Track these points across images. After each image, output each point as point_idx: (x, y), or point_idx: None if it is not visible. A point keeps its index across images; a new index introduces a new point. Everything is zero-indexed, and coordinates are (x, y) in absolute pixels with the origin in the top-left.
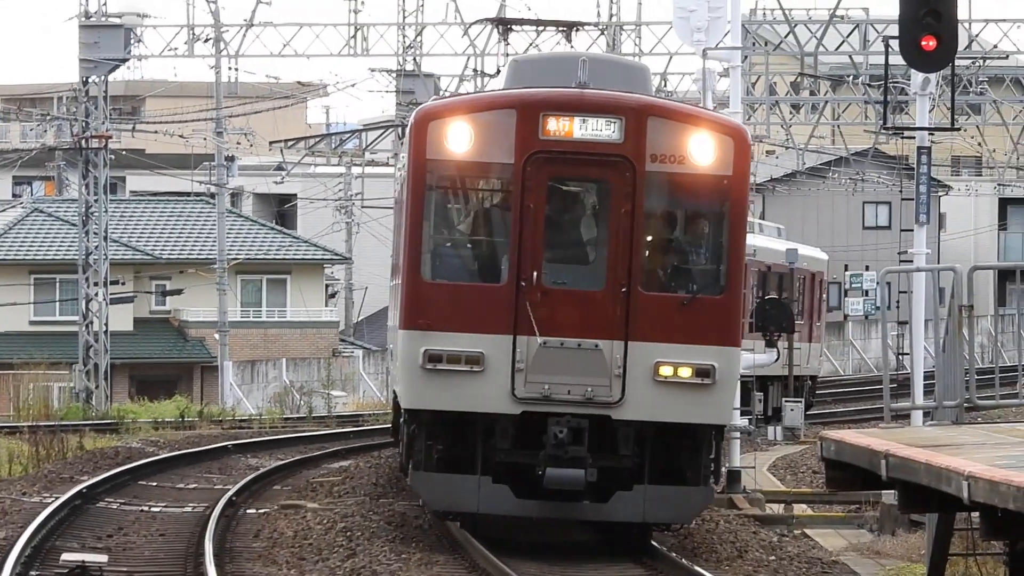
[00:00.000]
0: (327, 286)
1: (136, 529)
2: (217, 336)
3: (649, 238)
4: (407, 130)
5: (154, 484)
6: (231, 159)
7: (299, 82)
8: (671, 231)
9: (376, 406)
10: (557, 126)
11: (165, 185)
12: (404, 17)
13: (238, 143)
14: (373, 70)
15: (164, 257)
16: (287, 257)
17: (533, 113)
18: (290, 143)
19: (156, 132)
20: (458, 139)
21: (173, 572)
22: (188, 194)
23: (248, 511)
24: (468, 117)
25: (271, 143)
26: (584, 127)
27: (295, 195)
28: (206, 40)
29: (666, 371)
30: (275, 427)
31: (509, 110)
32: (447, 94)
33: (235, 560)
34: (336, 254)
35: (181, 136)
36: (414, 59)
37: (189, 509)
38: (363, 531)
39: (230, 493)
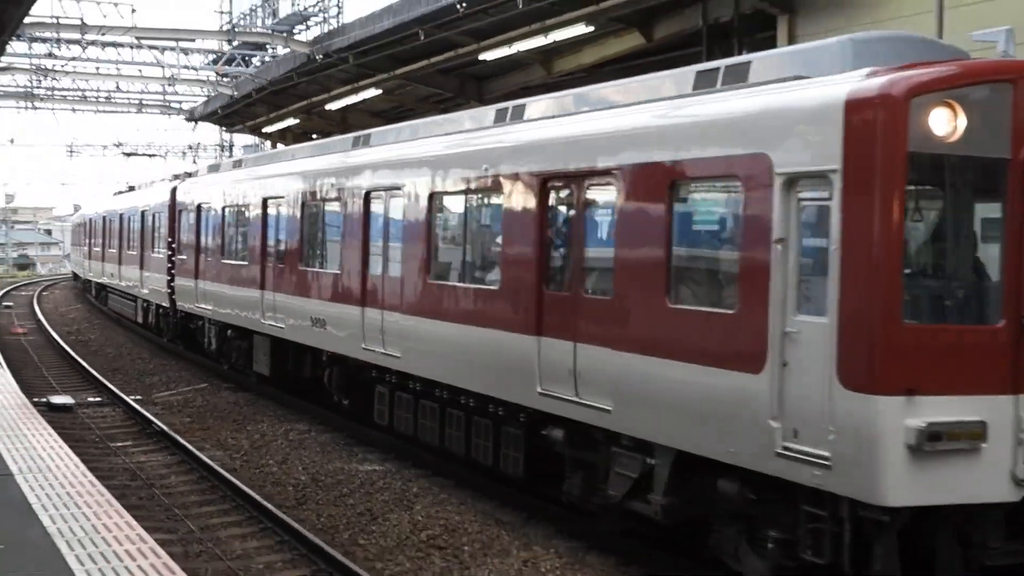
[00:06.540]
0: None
1: (13, 300)
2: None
3: None
4: (857, 112)
5: (16, 292)
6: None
7: None
8: None
9: (66, 275)
10: None
11: None
12: None
13: None
14: None
15: None
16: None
17: None
18: None
19: None
20: (943, 123)
21: (27, 306)
22: None
23: (43, 293)
24: (955, 93)
25: None
26: None
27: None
28: None
29: None
30: (46, 280)
31: (1003, 84)
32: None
33: (41, 304)
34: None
35: None
36: None
37: (26, 294)
38: (73, 302)
39: (39, 289)
